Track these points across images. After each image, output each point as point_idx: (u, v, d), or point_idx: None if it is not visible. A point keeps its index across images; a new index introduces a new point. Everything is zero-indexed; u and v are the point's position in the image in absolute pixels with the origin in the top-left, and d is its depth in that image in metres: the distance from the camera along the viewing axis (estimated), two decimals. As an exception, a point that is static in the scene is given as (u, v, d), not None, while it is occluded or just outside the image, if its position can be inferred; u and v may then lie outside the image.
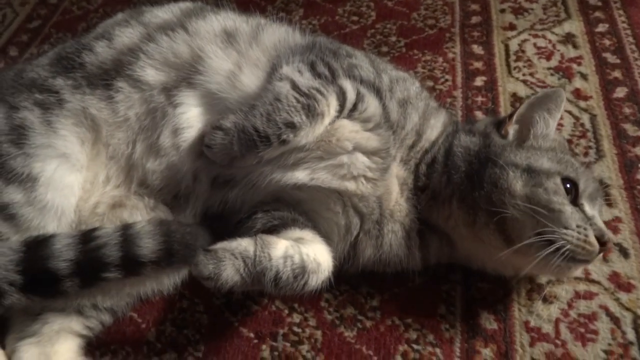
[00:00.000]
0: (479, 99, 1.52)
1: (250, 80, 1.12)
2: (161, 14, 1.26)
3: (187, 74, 1.13)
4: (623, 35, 1.67)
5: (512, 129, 1.12)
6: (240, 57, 1.14)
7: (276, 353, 1.06)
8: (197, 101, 1.12)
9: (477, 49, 1.68)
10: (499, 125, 1.14)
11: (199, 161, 1.08)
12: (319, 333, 1.08)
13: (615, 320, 1.07)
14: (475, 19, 1.78)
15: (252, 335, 1.08)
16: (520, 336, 1.06)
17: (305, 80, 1.06)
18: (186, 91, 1.12)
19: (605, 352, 1.03)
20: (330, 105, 1.03)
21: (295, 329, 1.09)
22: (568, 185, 1.01)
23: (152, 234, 0.98)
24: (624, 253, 1.17)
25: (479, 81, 1.57)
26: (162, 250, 0.96)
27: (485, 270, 1.10)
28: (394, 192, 1.10)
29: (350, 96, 1.05)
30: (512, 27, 1.75)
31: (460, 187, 1.06)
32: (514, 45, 1.68)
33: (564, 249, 0.95)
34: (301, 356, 1.05)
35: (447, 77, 1.59)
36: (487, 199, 1.01)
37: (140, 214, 1.08)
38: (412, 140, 1.13)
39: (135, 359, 1.08)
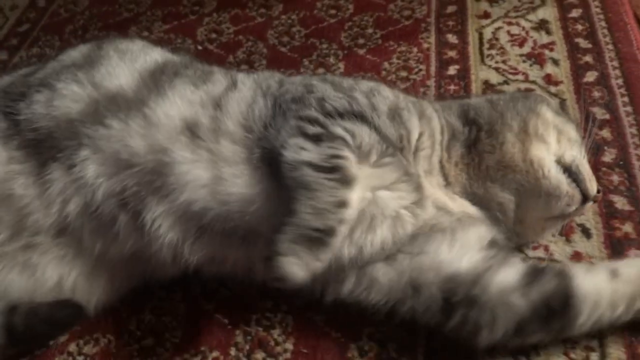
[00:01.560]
0: (452, 87, 1.56)
1: (236, 183, 0.99)
2: (120, 73, 1.11)
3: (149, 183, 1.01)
4: (595, 19, 1.70)
5: None
6: (213, 155, 1.01)
7: (249, 337, 1.11)
8: (170, 222, 1.01)
9: (452, 38, 1.71)
10: None
11: None
12: (290, 317, 1.13)
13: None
14: (450, 9, 1.82)
15: (226, 321, 1.14)
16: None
17: (315, 154, 0.95)
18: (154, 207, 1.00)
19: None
20: (351, 159, 0.96)
21: (267, 314, 1.14)
22: None
23: None
24: (587, 234, 1.21)
25: (452, 70, 1.61)
26: None
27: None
28: (443, 197, 1.08)
29: (347, 137, 0.98)
30: (486, 15, 1.78)
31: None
32: (487, 33, 1.71)
33: None
34: (273, 340, 1.10)
35: (421, 67, 1.63)
36: None
37: None
38: (427, 145, 1.10)
39: (117, 345, 1.13)
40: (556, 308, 0.97)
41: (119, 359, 1.11)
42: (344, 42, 1.74)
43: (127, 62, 1.12)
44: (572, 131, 1.15)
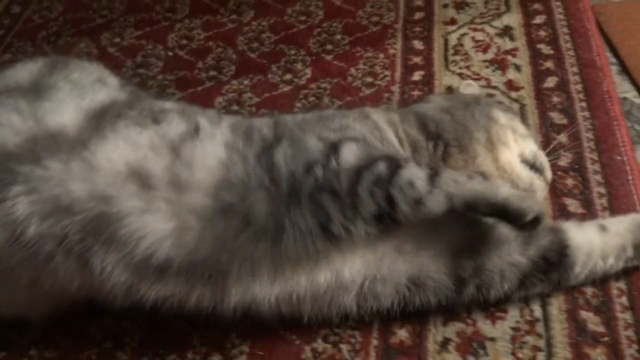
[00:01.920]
0: (416, 92, 1.59)
1: (205, 235, 0.95)
2: (65, 110, 1.04)
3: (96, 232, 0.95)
4: (558, 26, 1.74)
5: None
6: (174, 207, 0.95)
7: (206, 340, 1.13)
8: (124, 269, 0.96)
9: (418, 44, 1.74)
10: None
11: None
12: (247, 320, 1.14)
13: (524, 299, 1.14)
14: (418, 15, 1.85)
15: (184, 325, 1.15)
16: (433, 317, 1.13)
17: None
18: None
19: (513, 329, 1.10)
20: None
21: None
22: None
23: None
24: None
25: (417, 76, 1.64)
26: None
27: None
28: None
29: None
30: (453, 21, 1.81)
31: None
32: (453, 39, 1.75)
33: None
34: (229, 342, 1.12)
35: (386, 72, 1.66)
36: None
37: None
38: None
39: (77, 349, 1.14)
40: (553, 260, 1.07)
41: (78, 362, 1.13)
42: (312, 48, 1.77)
43: (74, 99, 1.06)
44: (519, 125, 1.21)
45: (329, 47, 1.77)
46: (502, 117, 1.20)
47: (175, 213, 0.94)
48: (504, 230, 1.07)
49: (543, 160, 1.20)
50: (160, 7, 2.00)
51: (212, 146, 1.00)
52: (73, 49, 1.86)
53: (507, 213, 0.98)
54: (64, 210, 0.94)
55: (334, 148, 0.97)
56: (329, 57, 1.73)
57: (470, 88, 1.34)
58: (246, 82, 1.67)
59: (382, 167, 0.95)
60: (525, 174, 1.16)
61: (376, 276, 1.04)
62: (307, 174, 0.95)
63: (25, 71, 1.13)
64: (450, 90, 1.58)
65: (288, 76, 1.68)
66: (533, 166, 1.18)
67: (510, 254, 1.06)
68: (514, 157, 1.17)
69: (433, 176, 0.96)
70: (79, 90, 1.08)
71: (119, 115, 1.04)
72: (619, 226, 1.12)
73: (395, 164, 0.97)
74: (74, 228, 0.94)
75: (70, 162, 0.96)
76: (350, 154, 0.96)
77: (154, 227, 0.93)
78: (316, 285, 1.01)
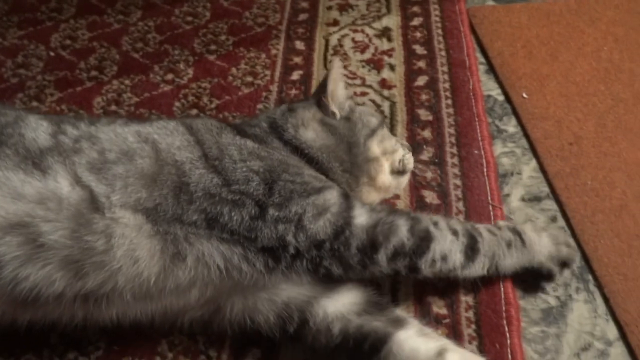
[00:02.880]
0: (293, 91, 1.63)
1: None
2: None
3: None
4: (434, 27, 1.82)
5: (334, 106, 1.22)
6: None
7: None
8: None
9: (300, 45, 1.79)
10: (319, 106, 1.23)
11: None
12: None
13: (375, 282, 1.19)
14: (302, 16, 1.90)
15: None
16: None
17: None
18: None
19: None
20: None
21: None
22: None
23: None
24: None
25: (295, 75, 1.69)
26: None
27: None
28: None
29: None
30: (335, 23, 1.87)
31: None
32: (334, 40, 1.80)
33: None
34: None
35: (266, 72, 1.70)
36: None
37: None
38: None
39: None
40: (364, 346, 1.03)
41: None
42: (197, 49, 1.79)
43: None
44: (388, 142, 1.24)
45: (213, 47, 1.79)
46: (375, 148, 1.22)
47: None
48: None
49: (408, 160, 1.27)
50: (45, 7, 1.97)
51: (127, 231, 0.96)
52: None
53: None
54: None
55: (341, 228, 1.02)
56: (212, 57, 1.75)
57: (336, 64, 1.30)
58: (127, 82, 1.68)
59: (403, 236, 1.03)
60: (394, 183, 1.25)
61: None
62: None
63: None
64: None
65: (170, 76, 1.69)
66: (401, 171, 1.26)
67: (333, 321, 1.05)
68: (386, 176, 1.23)
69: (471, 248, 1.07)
70: None
71: None
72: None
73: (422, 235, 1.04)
74: None
75: None
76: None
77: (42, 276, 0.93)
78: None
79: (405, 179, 1.30)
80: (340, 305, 1.06)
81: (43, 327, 1.05)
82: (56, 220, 0.93)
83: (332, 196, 1.05)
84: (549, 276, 1.18)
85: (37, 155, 0.98)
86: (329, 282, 1.07)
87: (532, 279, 1.18)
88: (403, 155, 1.26)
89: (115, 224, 0.94)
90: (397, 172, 1.25)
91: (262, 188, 1.01)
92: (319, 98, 1.22)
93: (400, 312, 1.09)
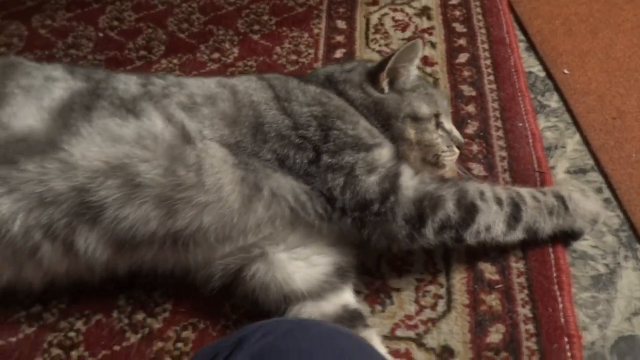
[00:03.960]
0: (338, 69, 1.67)
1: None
2: (28, 113, 1.06)
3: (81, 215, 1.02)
4: (473, 6, 1.85)
5: (385, 83, 1.24)
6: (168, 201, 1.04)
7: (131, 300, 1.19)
8: (105, 245, 1.05)
9: (341, 24, 1.82)
10: (372, 78, 1.24)
11: None
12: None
13: (428, 252, 1.23)
14: (342, -3, 1.93)
15: (110, 287, 1.21)
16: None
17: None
18: None
19: (417, 280, 1.20)
20: None
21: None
22: (436, 117, 1.25)
23: None
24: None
25: (339, 54, 1.72)
26: None
27: None
28: None
29: None
30: (375, 2, 1.90)
31: None
32: (374, 19, 1.83)
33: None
34: (153, 301, 1.19)
35: (310, 51, 1.73)
36: None
37: None
38: None
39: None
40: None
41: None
42: (240, 29, 1.83)
43: (33, 101, 1.07)
44: (430, 131, 1.23)
45: (257, 27, 1.83)
46: (411, 131, 1.22)
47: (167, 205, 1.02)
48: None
49: (444, 159, 1.25)
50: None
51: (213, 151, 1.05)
52: (4, 31, 1.87)
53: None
54: (49, 203, 1.00)
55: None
56: (256, 37, 1.79)
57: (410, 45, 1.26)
58: (175, 61, 1.72)
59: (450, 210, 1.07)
60: (426, 170, 1.21)
61: None
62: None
63: None
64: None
65: (216, 55, 1.74)
66: (434, 164, 1.25)
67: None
68: (417, 162, 1.23)
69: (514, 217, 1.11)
70: (35, 93, 1.09)
71: (89, 107, 1.07)
72: None
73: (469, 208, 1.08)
74: (59, 215, 1.00)
75: (46, 164, 1.00)
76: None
77: (139, 215, 1.01)
78: None
79: (440, 172, 1.27)
80: None
81: (133, 274, 1.14)
82: (152, 159, 1.02)
83: (382, 156, 1.10)
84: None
85: (130, 103, 1.08)
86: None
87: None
88: (442, 152, 1.24)
89: (205, 154, 1.03)
90: (430, 163, 1.25)
91: (319, 134, 1.08)
92: (376, 71, 1.24)
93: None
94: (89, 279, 1.13)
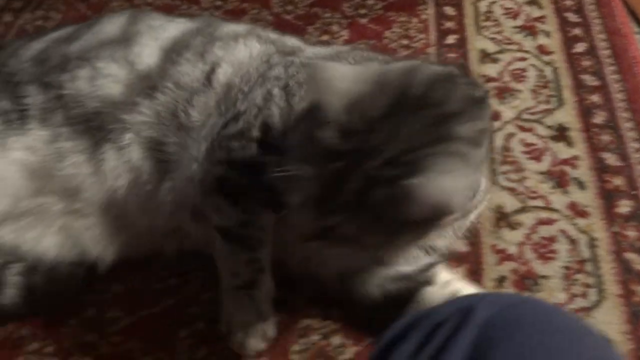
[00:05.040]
0: (452, 55, 1.64)
1: None
2: (150, 53, 1.09)
3: None
4: (583, -4, 1.81)
5: None
6: None
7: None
8: None
9: (450, 10, 1.79)
10: None
11: None
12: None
13: (572, 241, 1.21)
14: (447, -17, 1.90)
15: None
16: (487, 257, 1.19)
17: None
18: None
19: (564, 267, 1.17)
20: None
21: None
22: None
23: None
24: (581, 186, 1.31)
25: (450, 39, 1.70)
26: None
27: None
28: None
29: None
30: (482, -10, 1.87)
31: None
32: (483, 7, 1.80)
33: None
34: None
35: (421, 36, 1.71)
36: None
37: None
38: None
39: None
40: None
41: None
42: (347, 12, 1.81)
43: (152, 40, 1.10)
44: None
45: (363, 11, 1.81)
46: None
47: None
48: None
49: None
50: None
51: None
52: (106, 7, 1.87)
53: None
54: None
55: None
56: (363, 21, 1.77)
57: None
58: (284, 41, 1.71)
59: None
60: None
61: None
62: None
63: (112, 24, 1.15)
64: (484, 53, 1.64)
65: (325, 37, 1.72)
66: None
67: None
68: None
69: None
70: (154, 32, 1.12)
71: (187, 45, 1.09)
72: None
73: None
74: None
75: (156, 106, 1.03)
76: None
77: None
78: None
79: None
80: None
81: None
82: None
83: None
84: None
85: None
86: None
87: None
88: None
89: None
90: None
91: None
92: None
93: None
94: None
